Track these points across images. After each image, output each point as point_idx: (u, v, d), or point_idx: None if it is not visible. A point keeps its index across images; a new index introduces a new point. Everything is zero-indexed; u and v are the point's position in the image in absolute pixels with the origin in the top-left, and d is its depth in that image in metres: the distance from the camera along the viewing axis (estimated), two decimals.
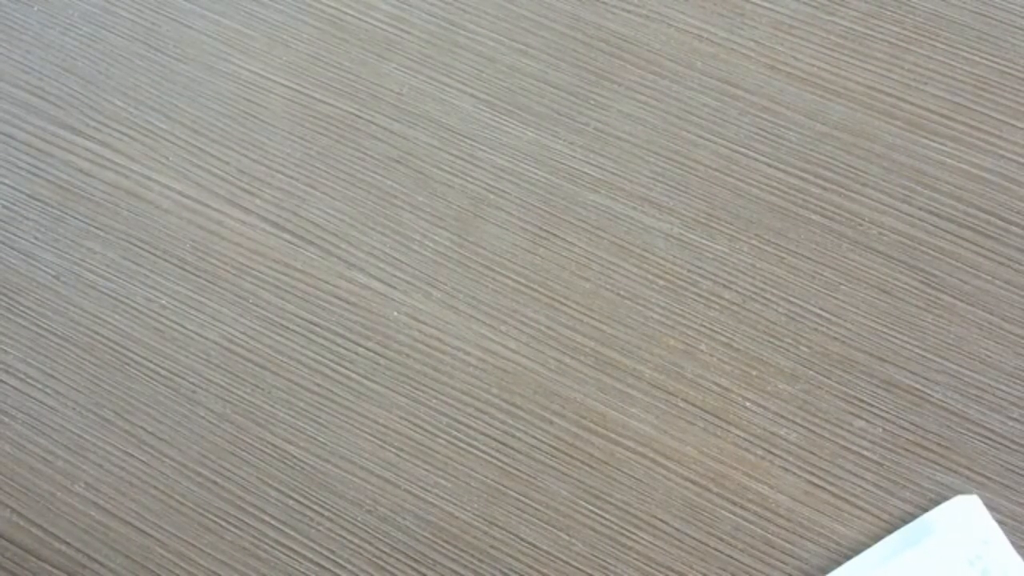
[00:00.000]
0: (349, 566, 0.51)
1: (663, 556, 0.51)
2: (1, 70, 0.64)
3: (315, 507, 0.53)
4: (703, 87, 0.61)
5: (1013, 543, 0.50)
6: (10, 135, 0.62)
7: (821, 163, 0.58)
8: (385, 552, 0.52)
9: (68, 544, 0.52)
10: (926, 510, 0.51)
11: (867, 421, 0.53)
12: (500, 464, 0.53)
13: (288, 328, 0.56)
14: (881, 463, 0.52)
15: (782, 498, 0.52)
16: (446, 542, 0.52)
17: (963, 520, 0.50)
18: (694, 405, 0.54)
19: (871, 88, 0.60)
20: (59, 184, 0.61)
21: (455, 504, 0.52)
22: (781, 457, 0.52)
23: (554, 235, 0.58)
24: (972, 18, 0.62)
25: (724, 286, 0.56)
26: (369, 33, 0.64)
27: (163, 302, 0.57)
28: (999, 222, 0.57)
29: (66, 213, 0.60)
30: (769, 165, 0.59)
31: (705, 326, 0.55)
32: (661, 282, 0.56)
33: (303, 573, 0.51)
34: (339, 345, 0.56)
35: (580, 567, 0.51)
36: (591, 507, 0.52)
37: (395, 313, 0.56)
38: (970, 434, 0.52)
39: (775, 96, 0.60)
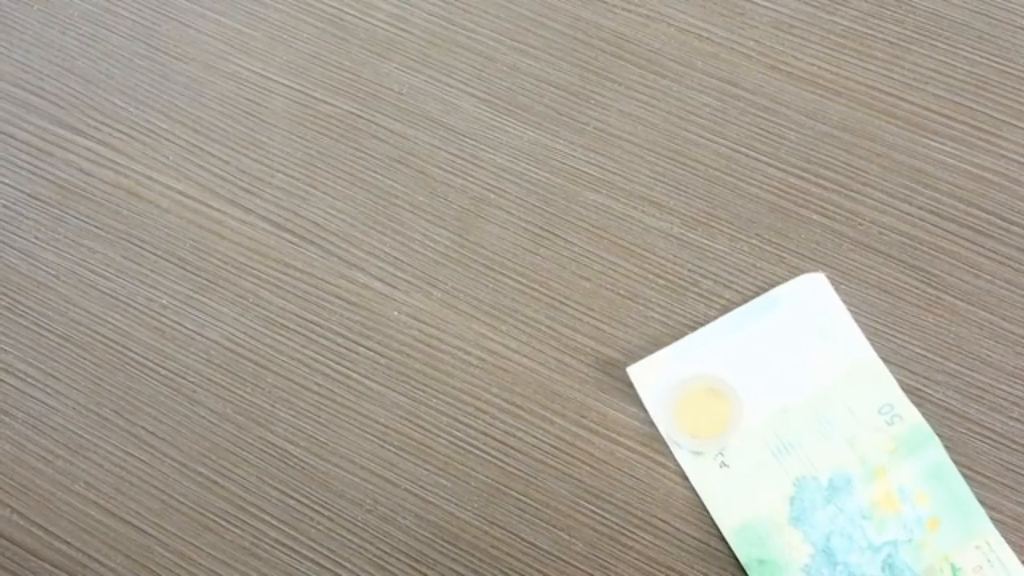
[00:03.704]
0: (349, 566, 0.51)
1: (663, 556, 0.51)
2: (1, 70, 0.64)
3: (315, 507, 0.53)
4: (703, 87, 0.61)
5: (853, 316, 0.54)
6: (10, 135, 0.62)
7: (821, 162, 0.58)
8: (385, 552, 0.52)
9: (68, 544, 0.52)
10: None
11: None
12: (500, 464, 0.53)
13: (288, 328, 0.56)
14: None
15: None
16: (446, 542, 0.52)
17: (808, 294, 0.55)
18: None
19: (871, 88, 0.60)
20: (59, 183, 0.61)
21: (455, 504, 0.52)
22: None
23: (554, 235, 0.58)
24: (972, 18, 0.62)
25: (724, 286, 0.56)
26: (369, 33, 0.64)
27: (163, 301, 0.57)
28: (999, 222, 0.57)
29: (66, 212, 0.60)
30: (769, 164, 0.59)
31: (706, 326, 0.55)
32: (661, 282, 0.56)
33: (303, 573, 0.51)
34: (339, 345, 0.56)
35: (580, 567, 0.51)
36: (591, 507, 0.52)
37: (395, 313, 0.56)
38: (970, 434, 0.52)
39: (775, 96, 0.60)
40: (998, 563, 0.49)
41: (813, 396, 0.52)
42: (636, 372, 0.53)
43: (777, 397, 0.53)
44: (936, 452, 0.51)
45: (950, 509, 0.50)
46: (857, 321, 0.54)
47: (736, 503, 0.51)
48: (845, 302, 0.51)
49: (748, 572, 0.49)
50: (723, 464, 0.51)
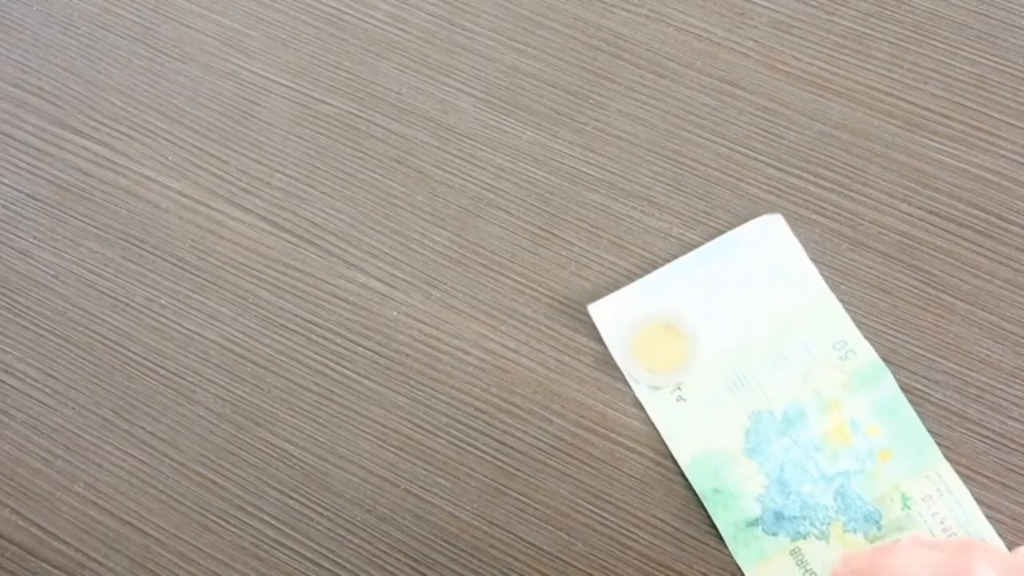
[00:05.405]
0: (349, 566, 0.51)
1: (663, 556, 0.51)
2: (1, 70, 0.64)
3: (315, 507, 0.53)
4: (703, 86, 0.61)
5: (808, 255, 0.55)
6: (10, 135, 0.62)
7: (821, 162, 0.58)
8: (385, 552, 0.52)
9: (68, 544, 0.52)
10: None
11: None
12: (500, 464, 0.53)
13: (288, 328, 0.56)
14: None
15: None
16: (446, 542, 0.52)
17: (766, 235, 0.56)
18: None
19: (871, 87, 0.60)
20: (58, 184, 0.60)
21: (455, 504, 0.52)
22: None
23: (554, 235, 0.58)
24: (972, 17, 0.62)
25: None
26: (369, 33, 0.64)
27: (162, 301, 0.57)
28: (999, 222, 0.57)
29: (65, 213, 0.60)
30: (769, 164, 0.59)
31: None
32: None
33: (303, 573, 0.51)
34: (339, 345, 0.56)
35: (580, 567, 0.51)
36: (591, 507, 0.52)
37: (394, 313, 0.56)
38: (970, 434, 0.52)
39: (775, 95, 0.60)
40: (947, 492, 0.50)
41: (769, 332, 0.54)
42: (596, 310, 0.55)
43: (734, 333, 0.54)
44: (888, 386, 0.52)
45: (902, 441, 0.51)
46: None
47: (693, 435, 0.52)
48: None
49: (703, 501, 0.51)
50: (680, 398, 0.53)
